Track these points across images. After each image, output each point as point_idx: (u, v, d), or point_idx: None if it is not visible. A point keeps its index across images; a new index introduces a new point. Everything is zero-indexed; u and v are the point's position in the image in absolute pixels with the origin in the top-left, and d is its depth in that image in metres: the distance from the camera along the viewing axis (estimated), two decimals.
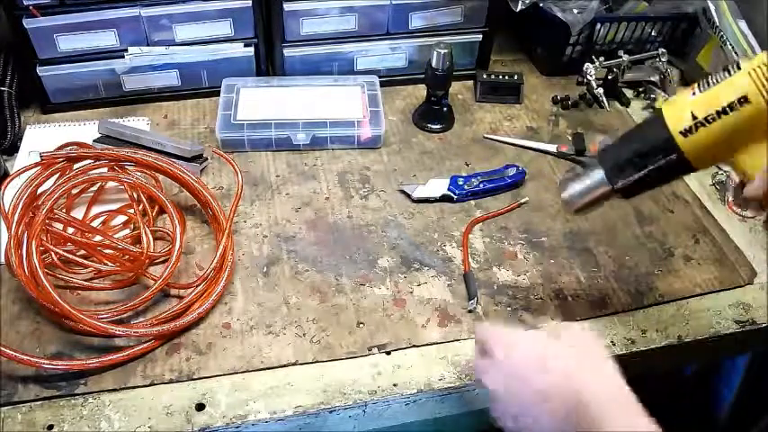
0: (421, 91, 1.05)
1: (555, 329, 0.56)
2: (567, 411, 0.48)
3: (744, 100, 0.52)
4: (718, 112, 0.53)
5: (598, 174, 0.62)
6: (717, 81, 0.54)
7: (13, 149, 0.91)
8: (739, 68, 0.53)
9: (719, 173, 0.93)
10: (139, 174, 0.80)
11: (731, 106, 0.53)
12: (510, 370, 0.53)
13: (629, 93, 1.07)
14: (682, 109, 0.55)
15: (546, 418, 0.50)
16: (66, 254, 0.72)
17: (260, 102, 0.95)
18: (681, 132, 0.55)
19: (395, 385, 0.67)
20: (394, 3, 0.98)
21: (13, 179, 0.78)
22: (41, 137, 0.92)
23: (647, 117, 0.61)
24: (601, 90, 1.02)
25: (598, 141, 0.66)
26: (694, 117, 0.54)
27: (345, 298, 0.74)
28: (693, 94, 0.55)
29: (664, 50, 1.05)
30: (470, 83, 1.08)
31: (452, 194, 0.86)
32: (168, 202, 0.76)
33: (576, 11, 1.02)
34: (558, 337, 0.54)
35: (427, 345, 0.70)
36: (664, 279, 0.79)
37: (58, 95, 0.96)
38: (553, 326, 0.58)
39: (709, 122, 0.54)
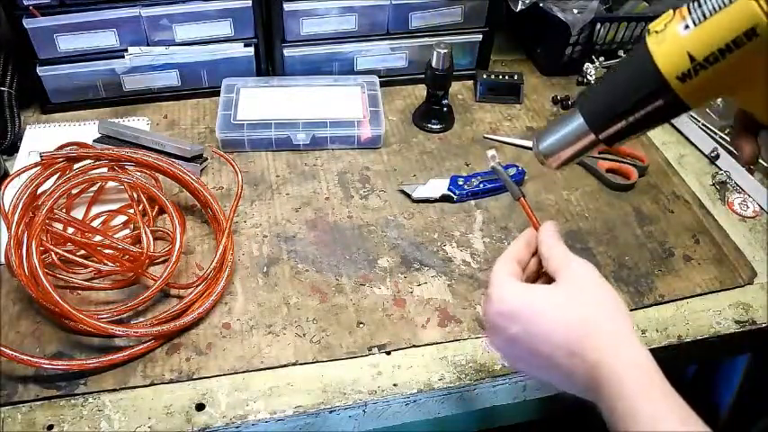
0: (421, 91, 1.05)
1: (573, 289, 0.51)
2: (591, 390, 0.48)
3: (751, 33, 0.43)
4: (721, 51, 0.44)
5: (578, 122, 0.54)
6: (714, 9, 0.45)
7: (13, 149, 0.91)
8: None
9: (719, 173, 0.93)
10: (139, 174, 0.80)
11: (737, 42, 0.44)
12: (529, 348, 0.50)
13: None
14: (676, 49, 0.46)
15: (568, 388, 0.50)
16: (66, 254, 0.72)
17: (260, 102, 0.95)
18: (678, 78, 0.47)
19: (395, 385, 0.67)
20: (394, 3, 0.98)
21: (13, 179, 0.78)
22: (41, 137, 0.92)
23: (632, 54, 0.51)
24: None
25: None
26: (692, 59, 0.45)
27: (345, 298, 0.74)
28: (686, 27, 0.46)
29: None
30: (470, 83, 1.08)
31: (452, 194, 0.86)
32: (168, 202, 0.76)
33: (576, 11, 1.02)
34: (580, 303, 0.50)
35: (427, 345, 0.70)
36: (664, 279, 0.79)
37: (58, 95, 0.96)
38: (572, 284, 0.51)
39: (711, 63, 0.45)
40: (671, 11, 0.48)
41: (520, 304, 0.51)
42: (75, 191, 0.80)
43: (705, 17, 0.45)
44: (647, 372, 0.46)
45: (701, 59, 0.45)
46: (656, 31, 0.48)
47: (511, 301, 0.51)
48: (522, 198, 0.59)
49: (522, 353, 0.52)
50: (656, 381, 0.45)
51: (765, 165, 0.91)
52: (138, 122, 0.96)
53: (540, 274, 0.58)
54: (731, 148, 0.94)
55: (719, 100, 0.96)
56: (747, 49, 0.44)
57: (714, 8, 0.45)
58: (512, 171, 0.89)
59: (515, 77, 1.04)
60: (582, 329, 0.48)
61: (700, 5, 0.46)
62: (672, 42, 0.47)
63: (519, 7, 1.01)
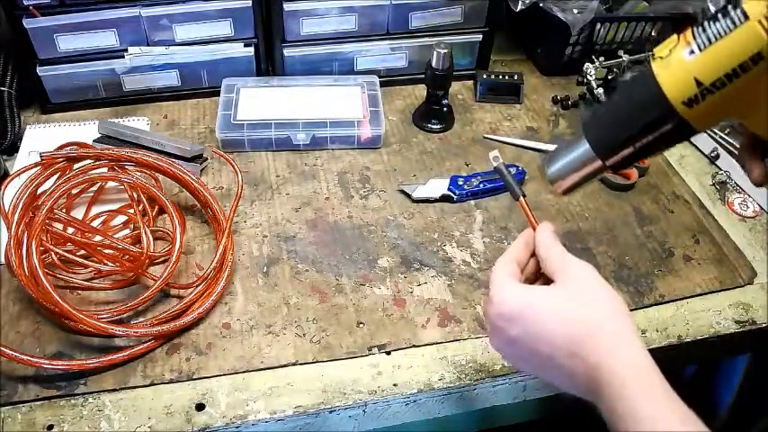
0: (421, 91, 1.05)
1: (573, 290, 0.50)
2: (592, 391, 0.48)
3: (757, 57, 0.43)
4: (728, 76, 0.44)
5: (584, 148, 0.55)
6: (719, 33, 0.45)
7: (13, 149, 0.91)
8: (745, 16, 0.43)
9: (719, 173, 0.93)
10: (139, 174, 0.80)
11: (743, 66, 0.44)
12: (530, 349, 0.50)
13: None
14: (682, 74, 0.47)
15: (569, 388, 0.50)
16: (66, 254, 0.72)
17: (260, 102, 0.95)
18: (684, 103, 0.47)
19: (395, 385, 0.67)
20: (394, 3, 0.98)
21: (13, 179, 0.78)
22: (41, 137, 0.92)
23: (637, 79, 0.51)
24: (601, 90, 1.02)
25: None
26: (699, 84, 0.46)
27: (345, 298, 0.74)
28: (692, 52, 0.46)
29: None
30: (470, 83, 1.08)
31: (452, 194, 0.86)
32: (168, 202, 0.76)
33: (576, 11, 1.02)
34: (580, 304, 0.49)
35: (427, 345, 0.70)
36: (664, 279, 0.79)
37: (58, 95, 0.96)
38: (572, 284, 0.51)
39: (718, 88, 0.45)
40: (675, 36, 0.48)
41: (519, 306, 0.51)
42: (75, 191, 0.80)
43: (710, 42, 0.45)
44: (648, 373, 0.46)
45: (707, 84, 0.46)
46: (661, 57, 0.48)
47: (510, 303, 0.52)
48: (521, 198, 0.59)
49: (523, 353, 0.52)
50: (656, 382, 0.45)
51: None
52: (138, 122, 0.96)
53: (540, 275, 0.58)
54: (731, 149, 0.94)
55: None
56: (754, 72, 0.44)
57: (719, 33, 0.45)
58: (511, 171, 0.89)
59: (515, 77, 1.04)
60: (582, 330, 0.48)
61: (704, 30, 0.46)
62: (677, 68, 0.47)
63: (519, 7, 1.01)
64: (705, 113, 0.47)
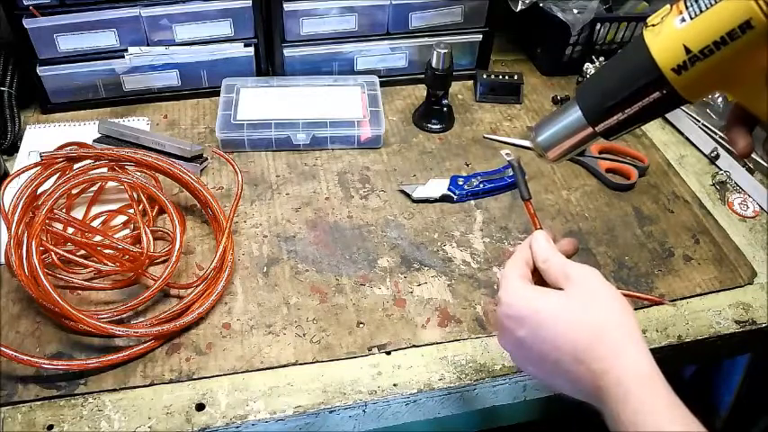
0: (421, 91, 1.05)
1: (579, 297, 0.50)
2: (596, 398, 0.48)
3: (746, 26, 0.43)
4: (716, 43, 0.45)
5: (575, 114, 0.55)
6: (710, 2, 0.45)
7: (13, 149, 0.91)
8: None
9: (719, 173, 0.93)
10: (139, 174, 0.80)
11: (732, 35, 0.44)
12: (536, 352, 0.50)
13: None
14: (671, 41, 0.47)
15: (574, 393, 0.50)
16: (66, 254, 0.72)
17: (260, 102, 0.95)
18: (673, 69, 0.47)
19: (395, 385, 0.67)
20: (394, 3, 0.98)
21: (13, 179, 0.78)
22: (41, 137, 0.92)
23: (629, 47, 0.52)
24: None
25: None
26: (688, 51, 0.46)
27: (345, 298, 0.74)
28: (683, 20, 0.46)
29: None
30: (470, 83, 1.08)
31: (452, 194, 0.86)
32: (168, 202, 0.76)
33: (575, 11, 1.02)
34: (585, 310, 0.49)
35: (427, 345, 0.70)
36: (664, 279, 0.79)
37: (58, 95, 0.96)
38: (577, 291, 0.51)
39: (706, 56, 0.45)
40: (668, 6, 0.49)
41: (527, 308, 0.51)
42: (75, 191, 0.80)
43: (701, 11, 0.46)
44: (652, 380, 0.46)
45: (696, 51, 0.46)
46: (653, 25, 0.49)
47: (518, 305, 0.52)
48: (528, 201, 0.59)
49: (530, 356, 0.52)
50: (659, 389, 0.45)
51: (766, 165, 0.91)
52: (138, 122, 0.96)
53: None
54: (731, 148, 0.94)
55: (719, 100, 0.96)
56: (742, 41, 0.44)
57: (710, 2, 0.45)
58: (511, 171, 0.89)
59: (515, 77, 1.04)
60: (588, 337, 0.48)
61: (697, 3, 0.46)
62: (668, 35, 0.48)
63: (519, 7, 1.01)
64: (693, 82, 0.48)
